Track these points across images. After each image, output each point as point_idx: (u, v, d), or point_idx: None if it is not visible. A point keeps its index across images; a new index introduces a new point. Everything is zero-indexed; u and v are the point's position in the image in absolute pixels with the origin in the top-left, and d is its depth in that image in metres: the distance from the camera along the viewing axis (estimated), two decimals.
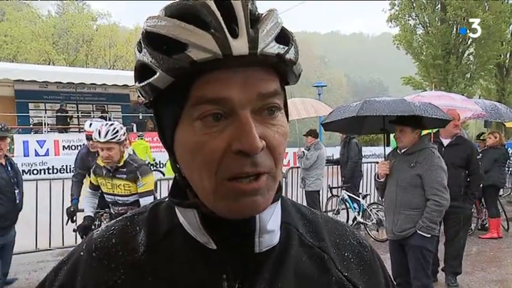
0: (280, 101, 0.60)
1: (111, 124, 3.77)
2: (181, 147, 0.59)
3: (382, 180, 4.00)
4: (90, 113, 17.40)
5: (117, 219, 0.72)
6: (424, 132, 4.87)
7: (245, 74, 0.55)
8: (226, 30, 0.53)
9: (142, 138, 13.34)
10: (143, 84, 0.58)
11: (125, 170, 3.76)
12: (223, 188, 0.56)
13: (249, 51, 0.54)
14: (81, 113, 17.00)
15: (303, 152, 7.67)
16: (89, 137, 5.07)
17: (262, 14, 0.58)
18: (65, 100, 16.37)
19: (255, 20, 0.56)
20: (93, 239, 0.68)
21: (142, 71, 0.58)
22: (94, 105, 17.63)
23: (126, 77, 15.55)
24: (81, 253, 0.67)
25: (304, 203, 5.06)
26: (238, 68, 0.55)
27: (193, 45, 0.53)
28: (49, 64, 28.32)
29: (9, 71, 14.19)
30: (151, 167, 12.01)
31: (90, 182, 4.22)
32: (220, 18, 0.54)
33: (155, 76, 0.55)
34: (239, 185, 0.56)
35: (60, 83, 15.20)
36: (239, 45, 0.53)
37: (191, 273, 0.62)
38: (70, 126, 16.12)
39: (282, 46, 0.57)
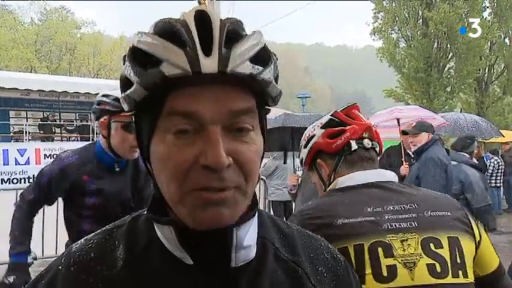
0: (253, 119, 0.61)
1: None
2: (154, 157, 0.61)
3: (294, 191, 4.13)
4: (73, 122, 17.18)
5: (96, 232, 0.71)
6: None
7: (216, 91, 0.57)
8: (199, 48, 0.56)
9: None
10: (123, 95, 0.61)
11: None
12: (189, 197, 0.58)
13: (218, 70, 0.56)
14: (64, 121, 16.77)
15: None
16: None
17: (246, 35, 0.60)
18: (48, 108, 16.13)
19: (234, 40, 0.58)
20: (72, 252, 0.68)
21: (124, 83, 0.61)
22: (77, 114, 17.38)
23: (110, 86, 15.40)
24: (60, 267, 0.67)
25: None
26: (210, 85, 0.57)
27: (167, 61, 0.56)
28: (31, 72, 27.83)
29: None
30: None
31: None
32: (196, 37, 0.56)
33: (131, 89, 0.59)
34: (205, 194, 0.57)
35: (43, 91, 14.97)
36: (209, 64, 0.56)
37: None
38: (54, 134, 15.87)
39: (257, 67, 0.58)
